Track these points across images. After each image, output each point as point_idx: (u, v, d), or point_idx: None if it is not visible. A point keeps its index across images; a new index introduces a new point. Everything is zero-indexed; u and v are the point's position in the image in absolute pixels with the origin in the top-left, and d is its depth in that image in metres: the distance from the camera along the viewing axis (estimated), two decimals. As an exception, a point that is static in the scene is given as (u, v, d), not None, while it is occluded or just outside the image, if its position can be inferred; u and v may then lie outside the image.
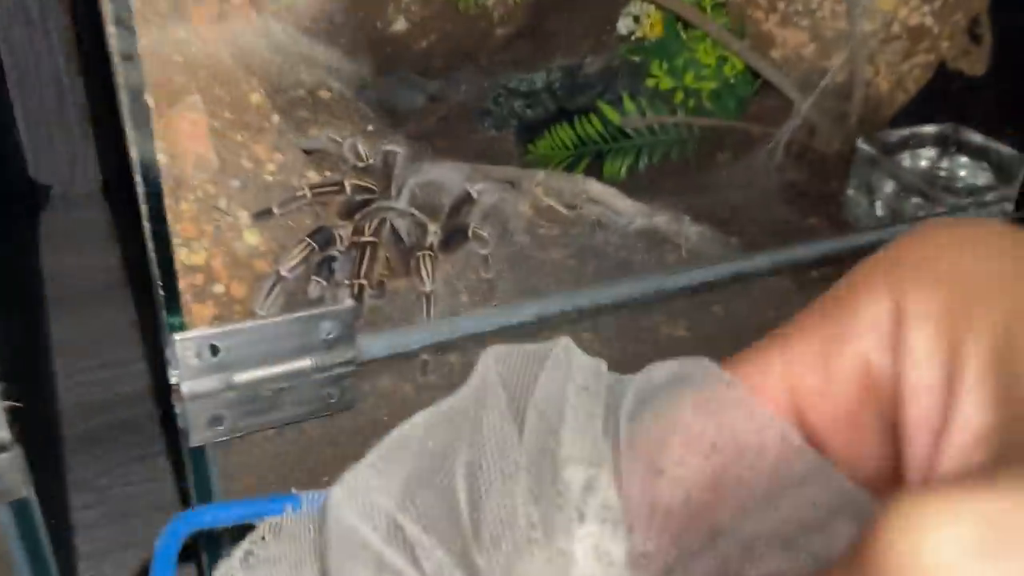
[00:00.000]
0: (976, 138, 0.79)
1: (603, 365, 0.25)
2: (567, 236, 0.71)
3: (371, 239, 0.55)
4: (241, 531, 0.27)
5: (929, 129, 0.81)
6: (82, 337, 0.88)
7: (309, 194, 0.56)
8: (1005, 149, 0.78)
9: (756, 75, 0.94)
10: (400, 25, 1.00)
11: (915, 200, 0.75)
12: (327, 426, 0.55)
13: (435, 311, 0.57)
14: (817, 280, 0.72)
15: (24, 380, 0.79)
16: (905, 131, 0.80)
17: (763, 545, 0.20)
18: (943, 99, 0.84)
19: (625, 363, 0.25)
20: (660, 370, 0.24)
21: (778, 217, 0.81)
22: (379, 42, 0.97)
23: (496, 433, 0.23)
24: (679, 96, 0.98)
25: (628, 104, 1.03)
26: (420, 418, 0.24)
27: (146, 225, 0.43)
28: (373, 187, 0.59)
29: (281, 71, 0.73)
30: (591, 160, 1.03)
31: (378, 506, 0.22)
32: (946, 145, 0.80)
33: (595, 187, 0.71)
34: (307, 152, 0.68)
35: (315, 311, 0.49)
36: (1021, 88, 0.79)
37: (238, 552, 0.26)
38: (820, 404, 0.21)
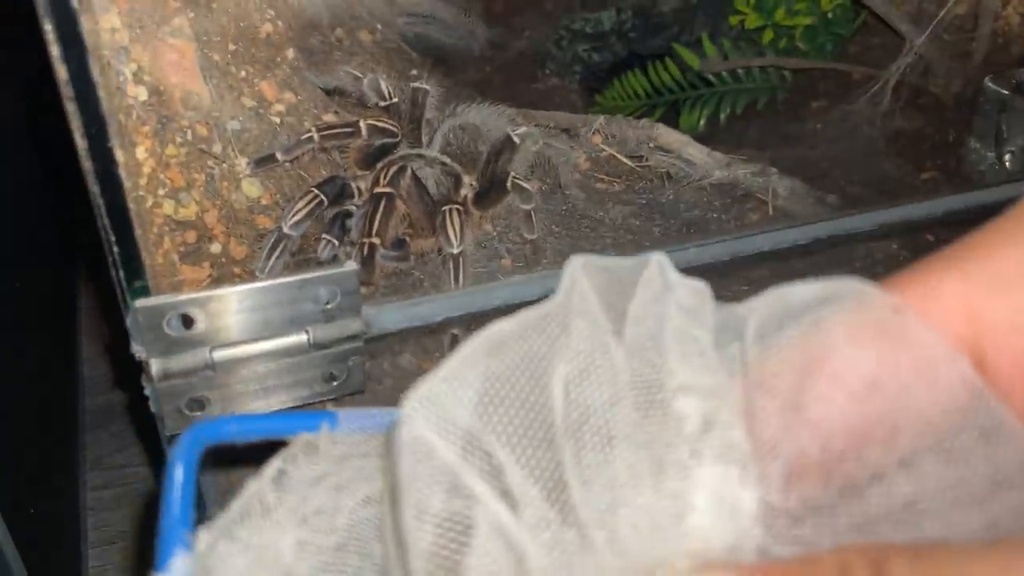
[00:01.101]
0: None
1: (703, 286, 0.22)
2: (631, 191, 0.61)
3: (387, 190, 0.46)
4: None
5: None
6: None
7: (317, 137, 0.47)
8: None
9: (859, 9, 0.81)
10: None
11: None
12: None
13: (466, 277, 0.48)
14: (932, 245, 0.60)
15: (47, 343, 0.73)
16: (1044, 69, 0.67)
17: (919, 510, 0.18)
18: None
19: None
20: (798, 291, 0.20)
21: (885, 171, 0.69)
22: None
23: (594, 345, 0.20)
24: (768, 35, 0.85)
25: (708, 46, 0.90)
26: (502, 324, 0.20)
27: (84, 160, 0.34)
28: (394, 129, 0.50)
29: (314, 3, 0.64)
30: (665, 111, 0.92)
31: (456, 420, 0.19)
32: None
33: (665, 134, 0.60)
34: (327, 92, 0.59)
35: (309, 275, 0.40)
36: None
37: (269, 470, 0.23)
38: (1010, 340, 0.18)
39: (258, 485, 0.22)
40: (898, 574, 0.16)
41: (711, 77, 0.86)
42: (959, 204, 0.59)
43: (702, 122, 0.85)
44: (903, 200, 0.57)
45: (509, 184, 0.50)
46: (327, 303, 0.41)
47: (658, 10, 0.91)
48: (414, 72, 0.73)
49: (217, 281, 0.51)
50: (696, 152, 0.60)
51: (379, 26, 0.78)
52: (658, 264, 0.22)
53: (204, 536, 0.20)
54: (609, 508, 0.19)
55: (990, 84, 0.66)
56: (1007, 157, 0.67)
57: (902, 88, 0.73)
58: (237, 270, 0.50)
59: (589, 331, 0.20)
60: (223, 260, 0.50)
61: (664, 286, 0.21)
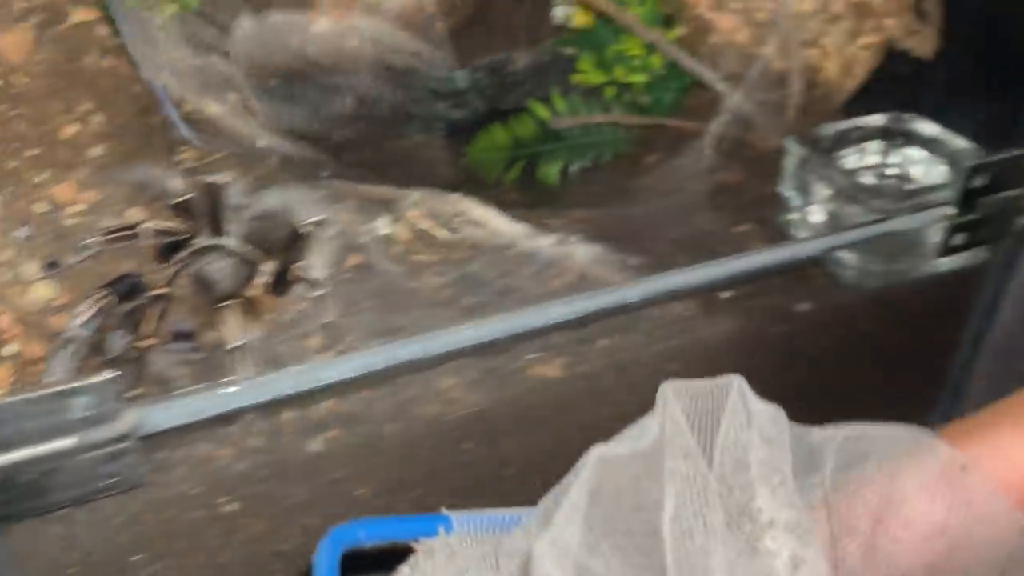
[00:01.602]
0: (928, 128, 0.69)
1: (780, 412, 0.24)
2: (446, 263, 0.64)
3: (162, 291, 0.49)
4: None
5: (875, 120, 0.71)
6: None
7: (100, 241, 0.50)
8: (959, 140, 0.68)
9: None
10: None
11: (852, 206, 0.66)
12: (125, 504, 0.49)
13: (248, 368, 0.50)
14: (727, 303, 0.63)
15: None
16: (847, 124, 0.71)
17: None
18: (894, 85, 0.74)
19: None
20: (872, 438, 0.23)
21: (700, 227, 0.72)
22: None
23: (692, 483, 0.22)
24: (610, 91, 0.89)
25: (558, 102, 0.94)
26: (606, 457, 0.24)
27: None
28: (180, 228, 0.52)
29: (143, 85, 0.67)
30: (525, 164, 0.95)
31: (570, 552, 0.22)
32: (895, 137, 0.70)
33: (473, 208, 0.63)
34: (143, 187, 0.62)
35: (63, 387, 0.43)
36: (974, 70, 0.69)
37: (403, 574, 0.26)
38: None
39: None
40: None
41: (562, 131, 0.89)
42: (763, 261, 0.63)
43: (556, 175, 0.88)
44: (701, 260, 0.60)
45: (294, 274, 0.53)
46: (85, 411, 0.44)
47: (512, 68, 0.94)
48: (264, 144, 0.76)
49: (19, 382, 0.53)
50: (502, 224, 0.63)
51: (231, 96, 0.80)
52: (739, 391, 0.24)
53: None
54: None
55: (791, 142, 0.69)
56: (812, 209, 0.70)
57: (724, 142, 0.76)
58: (35, 370, 0.52)
59: (686, 468, 0.23)
60: (20, 361, 0.52)
61: (746, 412, 0.24)
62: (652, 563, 0.21)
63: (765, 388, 0.28)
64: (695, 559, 0.21)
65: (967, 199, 0.61)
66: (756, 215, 0.72)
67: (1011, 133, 0.65)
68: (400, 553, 0.27)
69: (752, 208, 0.73)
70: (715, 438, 0.23)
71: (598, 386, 0.58)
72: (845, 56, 0.77)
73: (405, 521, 0.28)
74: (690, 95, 0.88)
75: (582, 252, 0.62)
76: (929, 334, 0.72)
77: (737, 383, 0.25)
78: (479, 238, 0.64)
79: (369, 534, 0.28)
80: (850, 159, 0.71)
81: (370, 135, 0.99)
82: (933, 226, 0.63)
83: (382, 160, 0.86)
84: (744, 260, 0.61)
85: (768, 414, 0.24)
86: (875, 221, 0.64)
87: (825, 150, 0.70)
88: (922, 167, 0.69)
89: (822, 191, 0.68)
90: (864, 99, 0.76)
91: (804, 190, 0.70)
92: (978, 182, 0.60)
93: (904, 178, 0.70)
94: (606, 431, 0.28)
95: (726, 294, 0.64)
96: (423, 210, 0.65)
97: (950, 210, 0.62)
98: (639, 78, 0.83)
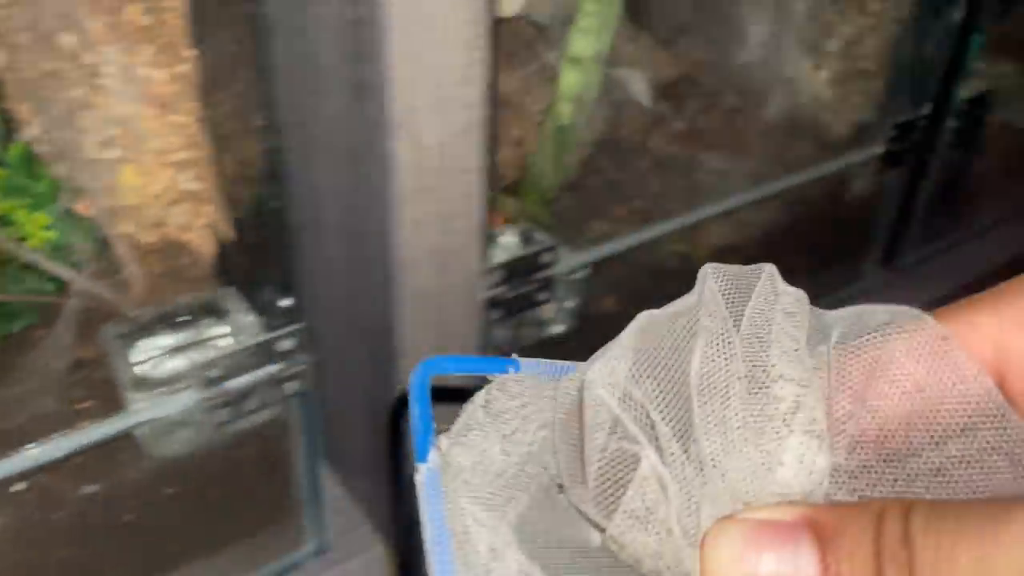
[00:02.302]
0: (234, 305, 0.80)
1: (804, 295, 0.29)
2: None
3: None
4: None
5: (196, 298, 0.81)
6: None
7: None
8: (250, 317, 0.79)
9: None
10: None
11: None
12: None
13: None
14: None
15: None
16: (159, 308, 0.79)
17: (946, 477, 0.25)
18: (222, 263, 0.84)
19: None
20: (873, 313, 0.28)
21: (46, 408, 0.78)
22: None
23: (720, 336, 0.27)
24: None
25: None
26: (652, 313, 0.29)
27: None
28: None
29: None
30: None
31: (618, 382, 0.28)
32: (208, 315, 0.80)
33: None
34: None
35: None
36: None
37: (479, 399, 0.32)
38: None
39: (473, 408, 0.32)
40: (920, 513, 0.22)
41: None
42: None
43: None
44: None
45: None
46: None
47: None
48: None
49: None
50: None
51: None
52: (769, 275, 0.29)
53: (444, 441, 0.30)
54: (723, 451, 0.26)
55: (108, 328, 0.77)
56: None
57: (83, 318, 0.82)
58: None
59: (717, 325, 0.28)
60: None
61: (773, 292, 0.29)
62: (679, 392, 0.27)
63: None
64: (716, 398, 0.27)
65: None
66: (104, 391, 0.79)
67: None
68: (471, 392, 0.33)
69: (101, 384, 0.80)
70: (744, 309, 0.29)
71: None
72: (197, 231, 0.87)
73: (484, 361, 0.33)
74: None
75: None
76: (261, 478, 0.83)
77: (769, 269, 0.30)
78: None
79: (453, 367, 0.31)
80: (168, 339, 0.79)
81: None
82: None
83: None
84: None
85: (793, 295, 0.29)
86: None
87: (144, 330, 0.79)
88: (223, 343, 0.79)
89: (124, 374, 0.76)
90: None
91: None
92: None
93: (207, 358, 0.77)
94: None
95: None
96: None
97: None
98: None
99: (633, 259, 1.05)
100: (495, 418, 0.32)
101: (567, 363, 0.34)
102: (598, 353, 0.29)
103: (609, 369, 0.28)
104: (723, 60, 1.17)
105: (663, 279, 1.10)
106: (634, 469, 0.27)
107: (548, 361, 0.34)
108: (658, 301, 0.30)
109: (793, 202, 1.21)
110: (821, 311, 0.29)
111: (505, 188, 1.03)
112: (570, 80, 1.02)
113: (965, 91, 1.26)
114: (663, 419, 0.27)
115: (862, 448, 0.27)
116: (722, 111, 1.18)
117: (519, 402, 0.32)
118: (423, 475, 0.30)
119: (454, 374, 0.32)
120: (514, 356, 0.33)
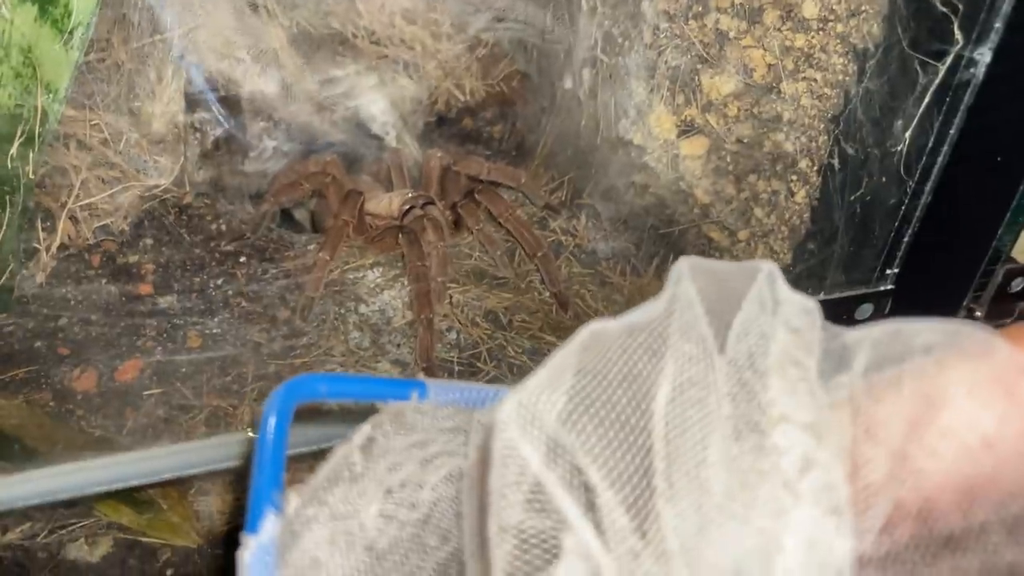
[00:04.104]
0: None
1: (813, 304, 0.21)
2: None
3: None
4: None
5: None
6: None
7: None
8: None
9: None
10: None
11: None
12: None
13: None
14: None
15: None
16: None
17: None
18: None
19: None
20: (917, 329, 0.19)
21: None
22: None
23: (695, 364, 0.19)
24: None
25: None
26: (602, 325, 0.20)
27: None
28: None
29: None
30: None
31: (545, 423, 0.19)
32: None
33: None
34: None
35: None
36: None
37: (358, 437, 0.23)
38: None
39: (347, 450, 0.22)
40: None
41: None
42: None
43: None
44: None
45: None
46: None
47: None
48: None
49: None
50: None
51: None
52: (768, 275, 0.21)
53: (293, 499, 0.21)
54: (697, 532, 0.18)
55: None
56: None
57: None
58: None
59: (692, 349, 0.19)
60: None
61: (773, 300, 0.21)
62: (634, 441, 0.19)
63: None
64: (688, 448, 0.19)
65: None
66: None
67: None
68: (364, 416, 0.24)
69: None
70: (732, 321, 0.21)
71: None
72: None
73: (375, 382, 0.25)
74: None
75: None
76: None
77: (768, 268, 0.22)
78: None
79: (332, 389, 0.23)
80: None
81: None
82: None
83: None
84: None
85: (799, 304, 0.21)
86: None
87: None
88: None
89: None
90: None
91: None
92: None
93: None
94: None
95: None
96: None
97: None
98: None
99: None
100: (375, 464, 0.22)
101: (491, 388, 0.24)
102: (525, 379, 0.19)
103: (532, 402, 0.18)
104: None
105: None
106: (558, 557, 0.17)
107: (465, 385, 0.24)
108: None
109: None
110: (839, 328, 0.21)
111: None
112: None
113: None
114: (607, 480, 0.18)
115: (899, 528, 0.18)
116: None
117: (415, 439, 0.22)
118: (249, 553, 0.19)
119: (331, 400, 0.22)
120: (421, 377, 0.25)
